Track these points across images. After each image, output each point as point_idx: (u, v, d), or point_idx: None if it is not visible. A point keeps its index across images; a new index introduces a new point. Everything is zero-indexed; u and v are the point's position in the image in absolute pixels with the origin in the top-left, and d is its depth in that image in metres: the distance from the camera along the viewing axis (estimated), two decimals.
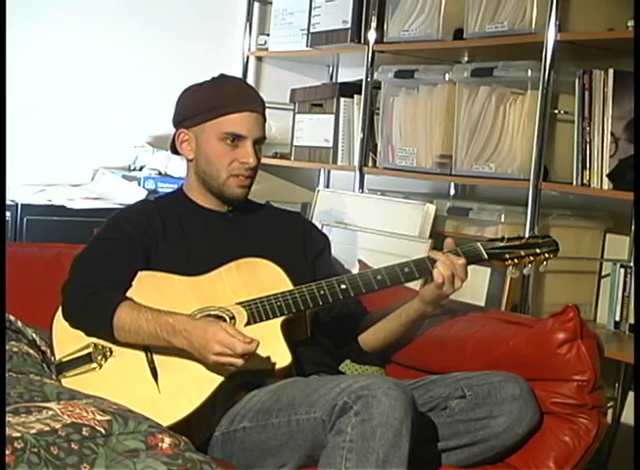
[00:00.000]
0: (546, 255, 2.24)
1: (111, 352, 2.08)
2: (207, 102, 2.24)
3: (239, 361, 1.91)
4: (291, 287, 2.13)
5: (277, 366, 2.03)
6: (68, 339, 2.12)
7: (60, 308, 2.15)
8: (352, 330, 2.31)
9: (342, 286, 2.12)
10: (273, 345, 2.04)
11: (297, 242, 2.37)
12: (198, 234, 2.27)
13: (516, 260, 2.22)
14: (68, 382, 2.06)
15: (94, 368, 2.07)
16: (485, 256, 2.20)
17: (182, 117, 2.29)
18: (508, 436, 1.98)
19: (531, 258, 2.23)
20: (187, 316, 2.00)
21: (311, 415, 1.86)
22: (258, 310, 2.07)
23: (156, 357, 2.06)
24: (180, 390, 2.01)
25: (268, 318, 2.07)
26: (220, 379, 2.01)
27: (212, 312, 2.11)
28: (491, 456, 2.01)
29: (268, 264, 2.19)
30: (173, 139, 2.32)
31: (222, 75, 2.32)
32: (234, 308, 2.11)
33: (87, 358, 2.09)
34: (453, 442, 2.01)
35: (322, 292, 2.11)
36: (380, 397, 1.78)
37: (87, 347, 2.10)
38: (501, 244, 2.23)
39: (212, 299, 2.13)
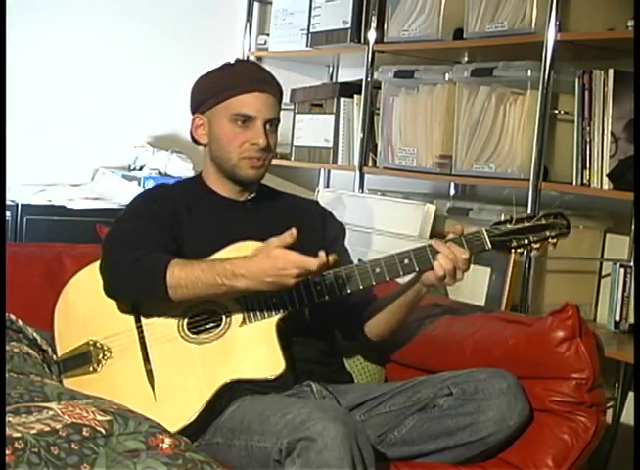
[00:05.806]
0: (555, 239, 2.12)
1: (109, 352, 2.09)
2: (218, 84, 2.21)
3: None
4: None
5: (268, 376, 2.02)
6: (68, 334, 2.12)
7: (58, 301, 2.15)
8: (360, 315, 2.25)
9: (339, 281, 2.06)
10: (267, 351, 2.04)
11: (314, 230, 2.30)
12: (212, 222, 2.23)
13: (521, 249, 2.12)
14: (68, 382, 2.06)
15: (92, 371, 2.08)
16: (489, 246, 2.10)
17: (196, 102, 2.26)
18: (499, 429, 1.96)
19: (538, 245, 2.12)
20: (242, 258, 1.96)
21: (262, 444, 1.85)
22: (254, 310, 2.05)
23: (152, 357, 2.06)
24: (175, 400, 2.02)
25: (264, 318, 2.05)
26: (214, 389, 2.01)
27: (208, 307, 2.08)
28: (486, 451, 2.00)
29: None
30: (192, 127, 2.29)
31: (236, 59, 2.30)
32: (229, 303, 2.07)
33: (86, 358, 2.09)
34: (445, 440, 1.99)
35: (318, 287, 2.05)
36: (316, 437, 1.73)
37: (86, 344, 2.10)
38: (509, 226, 2.10)
39: None
